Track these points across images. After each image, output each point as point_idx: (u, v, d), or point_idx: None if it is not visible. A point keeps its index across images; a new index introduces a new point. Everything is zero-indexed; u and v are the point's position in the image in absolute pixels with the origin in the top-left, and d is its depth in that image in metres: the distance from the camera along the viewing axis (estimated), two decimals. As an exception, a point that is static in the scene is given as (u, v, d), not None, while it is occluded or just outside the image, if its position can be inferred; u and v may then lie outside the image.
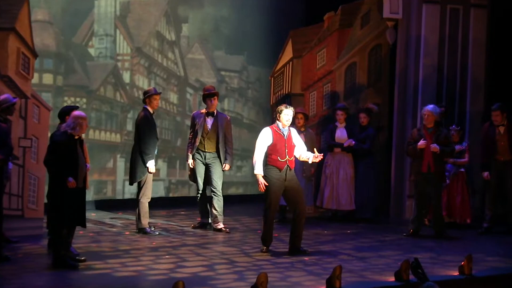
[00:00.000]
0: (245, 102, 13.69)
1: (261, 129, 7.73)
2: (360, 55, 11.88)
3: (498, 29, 11.18)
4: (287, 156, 7.50)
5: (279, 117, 7.55)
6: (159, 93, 8.99)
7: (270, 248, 7.73)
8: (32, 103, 8.60)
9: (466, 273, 6.78)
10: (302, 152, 7.69)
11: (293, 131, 7.71)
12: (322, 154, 7.79)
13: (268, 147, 7.53)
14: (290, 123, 7.60)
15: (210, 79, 12.90)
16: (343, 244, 8.51)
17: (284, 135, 7.55)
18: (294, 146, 7.60)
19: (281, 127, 7.58)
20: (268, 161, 7.55)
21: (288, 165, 7.50)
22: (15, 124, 8.27)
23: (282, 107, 7.58)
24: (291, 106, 7.73)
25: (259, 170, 7.53)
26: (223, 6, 12.99)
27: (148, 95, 8.82)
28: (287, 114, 7.54)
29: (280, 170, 7.49)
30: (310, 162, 7.79)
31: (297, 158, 7.72)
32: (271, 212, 7.59)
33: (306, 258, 7.46)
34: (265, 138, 7.57)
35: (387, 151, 11.53)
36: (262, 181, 7.48)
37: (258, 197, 12.92)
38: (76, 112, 7.00)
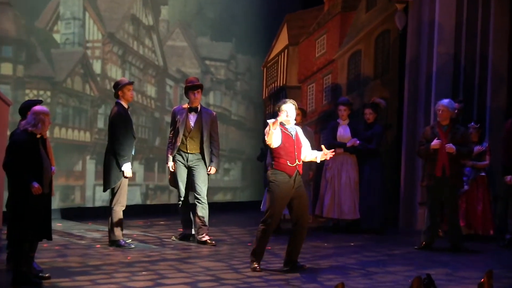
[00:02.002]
0: (233, 96, 13.71)
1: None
2: (366, 42, 11.93)
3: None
4: (297, 161, 7.48)
5: (280, 115, 7.46)
6: (132, 82, 8.98)
7: (262, 262, 7.73)
8: (-12, 96, 8.58)
9: (486, 291, 6.81)
10: (307, 151, 7.67)
11: (299, 130, 7.66)
12: (333, 150, 7.79)
13: (275, 149, 7.46)
14: (293, 119, 7.54)
15: (193, 69, 12.91)
16: (346, 259, 8.53)
17: (292, 135, 7.51)
18: (302, 147, 7.60)
19: (287, 126, 7.53)
20: (274, 165, 7.46)
21: (298, 171, 7.50)
22: (-31, 121, 8.27)
23: (281, 103, 7.51)
24: (292, 100, 7.59)
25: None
26: (208, -15, 13.05)
27: (120, 87, 8.81)
28: (288, 109, 7.49)
29: (289, 176, 7.45)
30: (318, 161, 7.77)
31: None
32: (272, 222, 7.53)
33: (303, 275, 7.48)
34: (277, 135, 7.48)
35: (396, 152, 11.58)
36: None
37: (248, 205, 12.98)
38: (36, 107, 6.98)
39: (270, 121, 7.30)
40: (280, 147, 7.42)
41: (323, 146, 7.70)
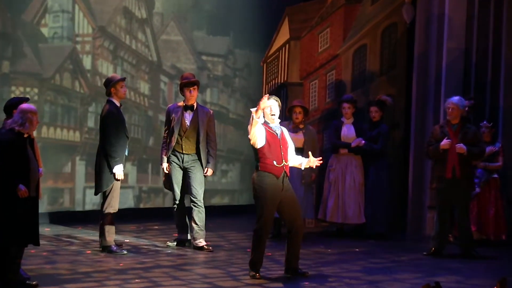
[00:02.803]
0: (231, 93, 13.70)
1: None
2: (371, 37, 11.93)
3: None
4: (283, 161, 7.47)
5: (259, 105, 7.29)
6: (124, 79, 8.98)
7: (261, 269, 7.72)
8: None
9: (498, 300, 6.81)
10: (291, 155, 7.64)
11: (285, 130, 7.65)
12: (321, 158, 7.76)
13: (259, 149, 7.44)
14: (277, 117, 7.50)
15: (188, 65, 12.91)
16: (351, 265, 8.54)
17: (277, 134, 7.51)
18: (288, 147, 7.58)
19: (272, 125, 7.51)
20: (260, 167, 7.43)
21: (285, 172, 7.48)
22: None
23: (265, 97, 7.35)
24: (275, 96, 7.52)
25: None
26: (205, -24, 13.04)
27: (112, 83, 8.81)
28: (269, 105, 7.45)
29: (277, 177, 7.43)
30: (302, 168, 7.77)
31: None
32: (265, 229, 7.52)
33: (305, 282, 7.48)
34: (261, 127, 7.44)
35: (404, 152, 11.57)
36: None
37: (247, 208, 12.96)
38: (24, 105, 6.98)
39: (253, 109, 7.28)
40: (265, 146, 7.39)
41: (310, 153, 7.70)
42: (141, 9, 12.40)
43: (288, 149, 7.54)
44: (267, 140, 7.39)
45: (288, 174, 7.50)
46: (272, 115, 7.45)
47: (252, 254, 7.57)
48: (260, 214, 7.45)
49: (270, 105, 7.42)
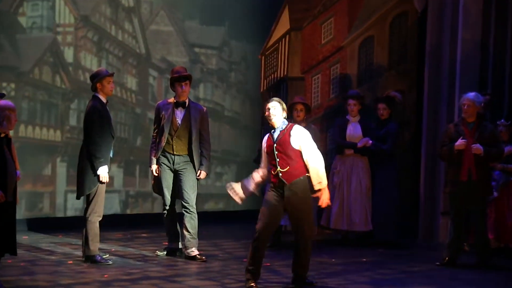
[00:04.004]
0: (226, 89, 13.71)
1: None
2: (379, 27, 11.93)
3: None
4: (278, 167, 7.46)
5: (265, 114, 7.63)
6: (112, 74, 8.97)
7: (260, 281, 7.72)
8: None
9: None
10: (310, 160, 7.55)
11: (296, 130, 7.58)
12: (329, 202, 7.69)
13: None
14: (276, 119, 7.49)
15: (180, 57, 12.90)
16: (357, 277, 8.53)
17: (273, 138, 7.53)
18: (293, 151, 7.50)
19: (272, 129, 7.61)
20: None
21: (282, 180, 7.45)
22: None
23: (267, 101, 7.66)
24: (276, 98, 7.63)
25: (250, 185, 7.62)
26: (198, -39, 13.05)
27: (98, 79, 8.80)
28: (269, 108, 7.53)
29: (274, 185, 7.50)
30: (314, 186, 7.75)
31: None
32: (263, 236, 7.53)
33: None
34: (263, 147, 7.67)
35: (415, 153, 11.57)
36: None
37: (244, 215, 12.96)
38: (1, 102, 6.98)
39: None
40: (265, 154, 7.58)
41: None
42: (128, -3, 12.42)
43: (287, 153, 7.47)
44: (265, 147, 7.54)
45: (289, 181, 7.44)
46: (270, 118, 7.51)
47: (248, 262, 7.59)
48: (258, 222, 7.52)
49: (268, 107, 7.51)
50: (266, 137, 7.60)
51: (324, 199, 7.48)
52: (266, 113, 7.51)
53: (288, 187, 7.44)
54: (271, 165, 7.49)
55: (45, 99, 11.34)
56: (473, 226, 9.46)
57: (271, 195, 7.50)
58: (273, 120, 7.49)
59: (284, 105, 7.55)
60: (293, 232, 7.69)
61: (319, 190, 7.46)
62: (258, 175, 7.63)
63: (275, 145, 7.45)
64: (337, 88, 12.14)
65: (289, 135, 7.46)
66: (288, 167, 7.44)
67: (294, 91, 12.29)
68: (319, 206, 7.62)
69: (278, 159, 7.42)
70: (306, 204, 7.58)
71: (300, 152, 7.44)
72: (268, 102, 7.56)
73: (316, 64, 12.34)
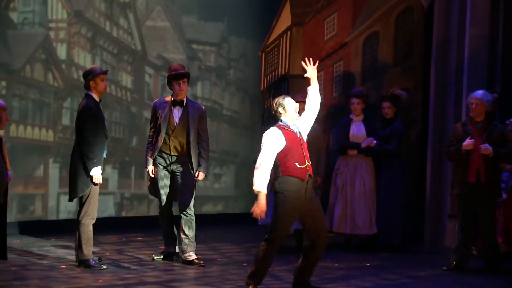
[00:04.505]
0: (225, 87, 13.71)
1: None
2: (384, 22, 11.94)
3: None
4: (306, 161, 7.49)
5: (285, 110, 7.53)
6: (106, 72, 8.97)
7: (260, 287, 7.72)
8: None
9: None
10: (308, 113, 7.73)
11: (302, 128, 7.70)
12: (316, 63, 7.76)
13: (279, 154, 7.48)
14: (297, 116, 7.61)
15: (177, 54, 12.90)
16: (361, 282, 8.53)
17: (297, 133, 7.57)
18: (307, 147, 7.63)
19: (291, 124, 7.58)
20: (282, 172, 7.43)
21: (309, 173, 7.49)
22: None
23: (281, 98, 7.58)
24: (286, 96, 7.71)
25: (262, 186, 7.43)
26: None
27: (91, 76, 8.80)
28: (292, 104, 7.57)
29: (302, 180, 7.44)
30: (313, 87, 7.77)
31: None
32: (278, 241, 7.49)
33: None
34: (274, 142, 7.51)
35: (421, 153, 11.57)
36: (263, 203, 7.40)
37: (243, 217, 12.95)
38: (-8, 101, 6.99)
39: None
40: (286, 149, 7.43)
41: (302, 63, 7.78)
42: (123, -8, 12.42)
43: (308, 148, 7.59)
44: (287, 142, 7.43)
45: (312, 175, 7.51)
46: (295, 111, 7.57)
47: (256, 265, 7.52)
48: (274, 222, 7.45)
49: (292, 103, 7.57)
50: (277, 132, 7.49)
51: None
52: (297, 110, 7.55)
53: (311, 187, 7.46)
54: (295, 160, 7.42)
55: (37, 98, 11.34)
56: (481, 229, 9.46)
57: (295, 195, 7.42)
58: (297, 118, 7.59)
59: None
60: (311, 238, 7.60)
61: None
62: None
63: (301, 138, 7.50)
64: (340, 86, 12.15)
65: (301, 132, 7.61)
66: (310, 161, 7.51)
67: (296, 89, 12.28)
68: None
69: (304, 152, 7.46)
70: (320, 204, 7.68)
71: None
72: (287, 97, 7.62)
73: (319, 62, 12.33)
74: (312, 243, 7.58)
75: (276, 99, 7.61)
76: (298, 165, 7.42)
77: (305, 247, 7.71)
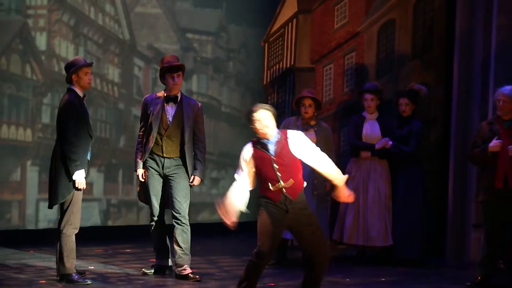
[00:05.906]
0: (224, 81, 13.73)
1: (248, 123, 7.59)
2: (401, 10, 11.95)
3: None
4: (281, 182, 7.42)
5: (250, 123, 7.32)
6: (91, 64, 8.97)
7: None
8: None
9: None
10: (317, 161, 7.52)
11: (292, 136, 7.53)
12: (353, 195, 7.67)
13: (254, 171, 7.46)
14: (271, 131, 7.40)
15: (170, 45, 12.92)
16: (375, 299, 8.57)
17: (268, 150, 7.43)
18: (295, 161, 7.48)
19: (263, 141, 7.45)
20: (260, 190, 7.48)
21: (285, 195, 7.41)
22: None
23: (252, 109, 7.34)
24: (261, 104, 7.43)
25: (236, 203, 7.53)
26: None
27: (74, 69, 8.81)
28: (258, 119, 7.40)
29: (274, 203, 7.41)
30: (336, 183, 7.61)
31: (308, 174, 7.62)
32: (267, 256, 7.49)
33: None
34: (243, 159, 7.49)
35: (442, 156, 11.58)
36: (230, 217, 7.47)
37: (243, 227, 12.95)
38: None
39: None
40: (256, 169, 7.41)
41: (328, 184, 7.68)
42: (110, -25, 12.45)
43: (292, 163, 7.43)
44: (255, 162, 7.37)
45: (294, 197, 7.39)
46: (260, 129, 7.35)
47: (242, 277, 7.56)
48: (258, 240, 7.46)
49: (259, 118, 7.36)
50: (249, 149, 7.43)
51: (346, 194, 7.44)
52: (255, 125, 7.30)
53: (294, 204, 7.38)
54: (267, 181, 7.39)
55: (13, 93, 11.36)
56: (510, 241, 9.47)
57: (271, 210, 7.41)
58: (267, 133, 7.37)
59: (274, 110, 7.43)
60: (307, 256, 7.61)
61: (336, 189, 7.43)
62: (245, 192, 7.55)
63: (273, 158, 7.36)
64: (352, 80, 12.15)
65: (287, 144, 7.36)
66: (292, 180, 7.38)
67: (302, 83, 12.30)
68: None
69: (280, 174, 7.36)
70: (314, 216, 7.58)
71: (300, 161, 7.40)
72: (253, 112, 7.32)
73: (328, 53, 12.35)
74: (310, 260, 7.54)
75: (250, 108, 7.45)
76: (270, 186, 7.38)
77: (304, 263, 7.72)
